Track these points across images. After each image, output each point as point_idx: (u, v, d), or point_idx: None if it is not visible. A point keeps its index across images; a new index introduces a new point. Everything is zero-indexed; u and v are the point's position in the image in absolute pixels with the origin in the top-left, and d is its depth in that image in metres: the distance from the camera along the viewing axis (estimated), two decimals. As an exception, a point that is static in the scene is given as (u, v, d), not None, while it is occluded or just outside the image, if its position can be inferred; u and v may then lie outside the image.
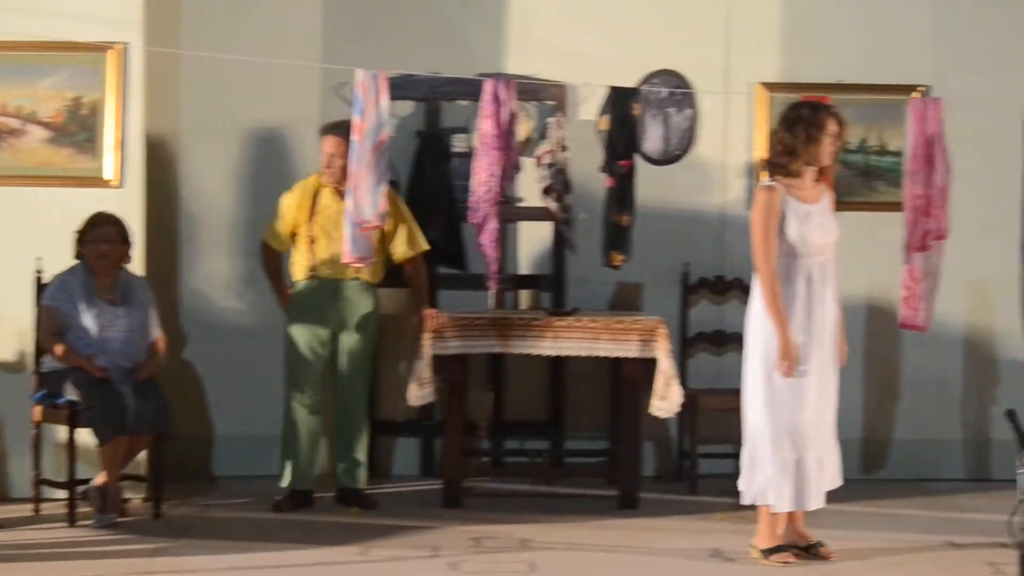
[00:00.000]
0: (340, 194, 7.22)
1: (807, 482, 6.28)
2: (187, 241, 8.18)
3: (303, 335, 7.27)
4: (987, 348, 8.45)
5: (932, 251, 7.38)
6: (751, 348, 6.36)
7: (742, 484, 6.36)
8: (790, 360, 6.19)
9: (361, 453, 7.31)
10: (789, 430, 6.25)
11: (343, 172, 7.17)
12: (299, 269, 7.33)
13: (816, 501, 6.34)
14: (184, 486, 7.66)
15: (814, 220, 6.25)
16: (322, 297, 7.26)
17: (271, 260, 7.46)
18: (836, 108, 6.33)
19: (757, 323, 6.32)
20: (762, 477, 6.28)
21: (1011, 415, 5.76)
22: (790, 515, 6.36)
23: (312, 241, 7.26)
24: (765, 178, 6.50)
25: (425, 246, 7.44)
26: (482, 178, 7.24)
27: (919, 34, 8.41)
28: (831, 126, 6.23)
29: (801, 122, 6.24)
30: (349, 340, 7.28)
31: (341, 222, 7.14)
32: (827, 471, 6.38)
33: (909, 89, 8.19)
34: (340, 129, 7.22)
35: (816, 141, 6.22)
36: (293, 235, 7.34)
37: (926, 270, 7.43)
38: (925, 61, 8.40)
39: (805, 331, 6.24)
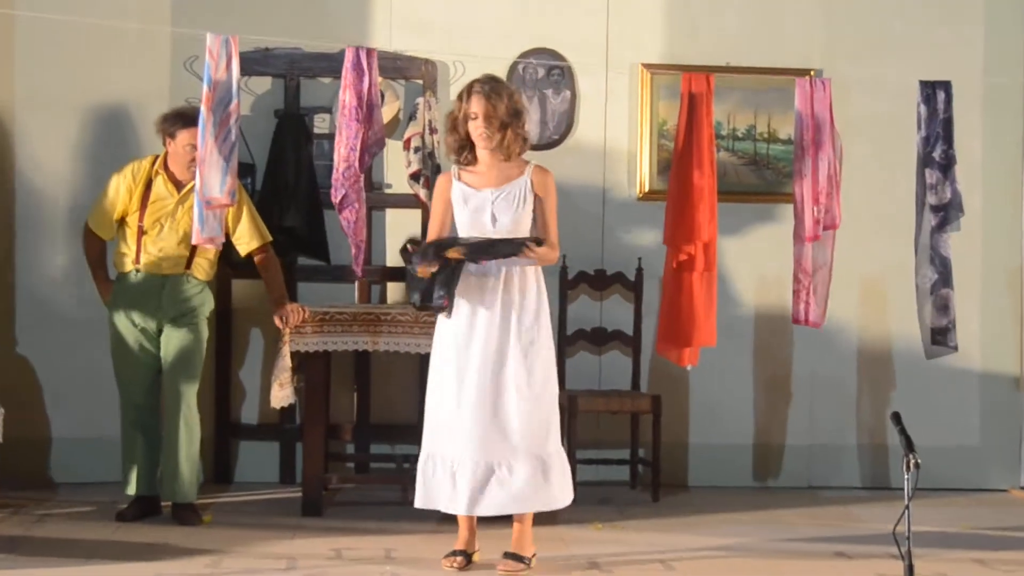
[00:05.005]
0: (177, 184, 7.19)
1: (437, 482, 6.36)
2: (22, 226, 8.09)
3: (128, 331, 7.19)
4: (882, 347, 8.63)
5: (823, 242, 7.55)
6: None
7: None
8: None
9: (185, 463, 7.16)
10: (431, 425, 6.41)
11: None
12: (124, 260, 7.21)
13: (452, 504, 6.36)
14: (18, 494, 7.59)
15: (484, 205, 6.37)
16: (147, 292, 7.17)
17: (94, 247, 7.33)
18: (481, 85, 6.41)
19: None
20: None
21: (897, 418, 5.92)
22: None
23: (142, 232, 7.17)
24: None
25: (269, 236, 7.37)
26: (343, 154, 7.19)
27: (809, 15, 8.56)
28: (465, 109, 6.37)
29: (449, 112, 6.48)
30: (173, 339, 7.17)
31: (176, 214, 7.14)
32: (512, 485, 6.34)
33: (799, 73, 8.28)
34: (197, 121, 7.01)
35: (458, 129, 6.42)
36: (119, 222, 7.23)
37: (818, 263, 7.56)
38: (816, 43, 8.55)
39: (468, 323, 6.32)
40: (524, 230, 6.38)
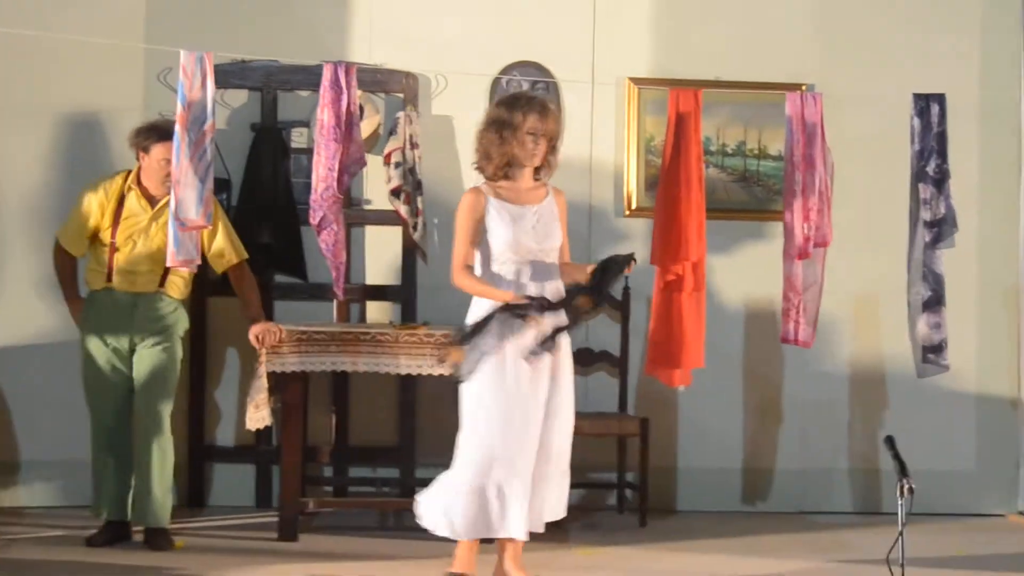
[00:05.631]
0: (150, 200, 7.12)
1: (496, 509, 6.23)
2: (-9, 241, 8.05)
3: (100, 350, 7.11)
4: (875, 367, 8.57)
5: (814, 259, 7.50)
6: None
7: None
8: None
9: (157, 486, 7.08)
10: (492, 450, 6.22)
11: None
12: (96, 278, 7.14)
13: (512, 528, 6.24)
14: (-17, 519, 7.54)
15: (527, 223, 6.26)
16: (119, 310, 7.10)
17: (65, 264, 7.25)
18: (540, 101, 6.33)
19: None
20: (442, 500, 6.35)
21: (890, 441, 5.87)
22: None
23: (114, 249, 7.10)
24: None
25: (245, 253, 7.30)
26: (321, 174, 7.18)
27: (801, 27, 8.52)
28: (528, 123, 6.22)
29: (495, 123, 6.26)
30: (146, 359, 7.10)
31: (150, 230, 7.08)
32: (545, 501, 6.36)
33: (790, 87, 8.20)
34: (172, 134, 6.97)
35: (510, 142, 6.22)
36: (91, 238, 7.14)
37: (808, 280, 7.53)
38: (808, 56, 8.51)
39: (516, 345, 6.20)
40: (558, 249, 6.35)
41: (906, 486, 5.68)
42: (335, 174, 7.19)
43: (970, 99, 8.43)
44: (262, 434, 7.96)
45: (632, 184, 8.43)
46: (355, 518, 7.91)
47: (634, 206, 8.43)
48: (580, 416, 7.98)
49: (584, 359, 8.31)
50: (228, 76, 7.97)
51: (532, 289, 6.21)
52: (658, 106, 8.27)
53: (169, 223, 6.82)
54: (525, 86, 8.36)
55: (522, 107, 6.26)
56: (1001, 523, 8.43)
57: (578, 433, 7.87)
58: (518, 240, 6.24)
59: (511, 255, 6.26)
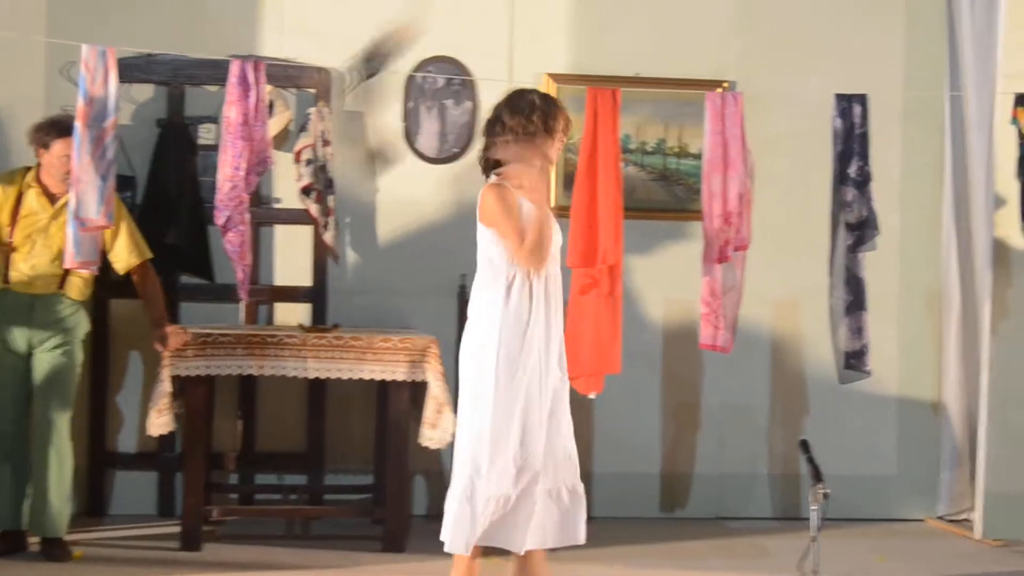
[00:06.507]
0: (50, 197, 7.03)
1: (522, 519, 6.01)
2: None
3: None
4: (795, 372, 8.58)
5: (733, 263, 7.48)
6: (473, 370, 6.05)
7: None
8: None
9: (54, 494, 7.00)
10: (506, 452, 5.94)
11: None
12: None
13: (545, 539, 6.11)
14: None
15: (546, 223, 6.12)
16: (16, 312, 7.01)
17: None
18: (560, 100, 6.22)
19: (480, 341, 6.08)
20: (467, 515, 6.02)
21: (804, 445, 5.86)
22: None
23: (11, 249, 7.00)
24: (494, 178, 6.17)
25: (149, 253, 7.23)
26: (227, 173, 7.10)
27: (724, 24, 8.52)
28: (562, 121, 6.10)
29: (535, 112, 6.06)
30: (44, 362, 7.02)
31: (49, 230, 6.98)
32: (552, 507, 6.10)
33: (711, 85, 8.26)
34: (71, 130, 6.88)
35: (552, 137, 6.06)
36: None
37: (727, 284, 7.50)
38: (730, 54, 8.52)
39: (543, 352, 5.98)
40: None
41: (820, 492, 5.66)
42: (242, 173, 7.11)
43: (893, 98, 8.44)
44: (165, 440, 7.88)
45: (551, 183, 8.36)
46: (261, 527, 7.83)
47: (552, 205, 8.33)
48: (494, 421, 8.00)
49: (499, 362, 8.26)
50: (133, 70, 7.87)
51: (552, 304, 6.04)
52: (577, 103, 8.18)
53: (68, 223, 6.73)
54: (441, 83, 8.31)
55: (556, 109, 6.07)
56: (921, 528, 8.46)
57: (492, 438, 7.89)
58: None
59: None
